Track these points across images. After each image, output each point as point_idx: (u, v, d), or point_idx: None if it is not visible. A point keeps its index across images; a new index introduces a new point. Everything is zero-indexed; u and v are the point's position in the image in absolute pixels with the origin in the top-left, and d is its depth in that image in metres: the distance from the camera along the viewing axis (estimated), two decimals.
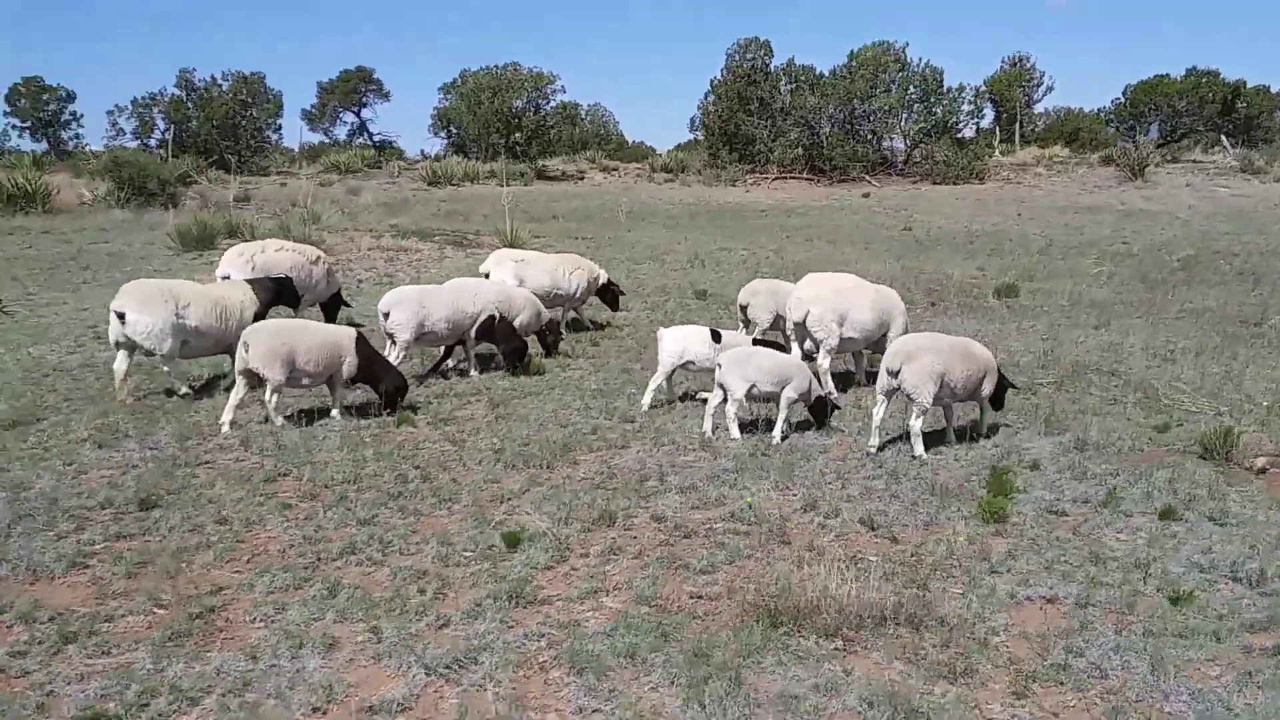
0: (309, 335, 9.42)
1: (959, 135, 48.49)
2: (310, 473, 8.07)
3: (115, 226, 24.47)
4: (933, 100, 47.55)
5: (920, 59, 48.47)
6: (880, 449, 8.63)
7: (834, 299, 10.64)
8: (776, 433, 9.02)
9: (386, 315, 10.97)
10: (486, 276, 13.51)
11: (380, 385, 9.82)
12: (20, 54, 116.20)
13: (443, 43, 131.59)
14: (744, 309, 12.14)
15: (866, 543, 6.80)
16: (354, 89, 56.95)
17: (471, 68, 54.88)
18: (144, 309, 9.81)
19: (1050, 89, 63.42)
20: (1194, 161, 55.78)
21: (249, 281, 11.40)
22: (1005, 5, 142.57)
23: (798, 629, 5.41)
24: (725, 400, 9.12)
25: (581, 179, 51.23)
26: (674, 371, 10.29)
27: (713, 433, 9.11)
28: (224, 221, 21.53)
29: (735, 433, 9.07)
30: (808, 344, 10.84)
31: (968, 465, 8.34)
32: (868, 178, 45.83)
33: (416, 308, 10.98)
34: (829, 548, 6.61)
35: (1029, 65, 63.72)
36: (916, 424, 8.42)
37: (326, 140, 60.15)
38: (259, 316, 10.73)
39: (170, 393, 10.48)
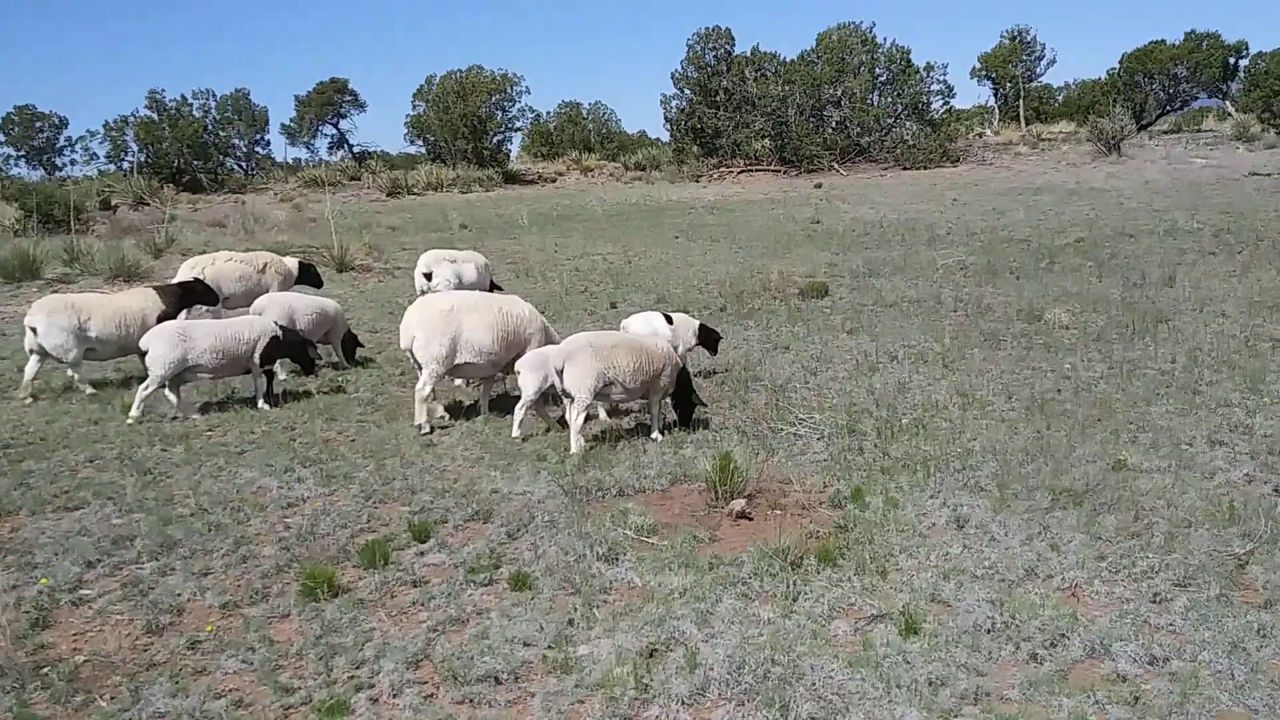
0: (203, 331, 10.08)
1: (930, 117, 46.51)
2: None
3: None
4: (900, 81, 45.68)
5: (888, 39, 46.74)
6: None
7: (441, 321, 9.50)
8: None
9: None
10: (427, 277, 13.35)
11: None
12: (14, 83, 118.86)
13: (419, 47, 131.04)
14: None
15: None
16: (330, 100, 56.65)
17: (438, 72, 54.24)
18: (50, 322, 10.91)
19: (1053, 62, 60.89)
20: (1197, 130, 53.36)
21: (154, 288, 12.35)
22: None
23: None
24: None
25: (554, 181, 50.45)
26: None
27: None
28: (66, 249, 20.89)
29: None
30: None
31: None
32: (836, 166, 44.28)
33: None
34: None
35: (1030, 39, 61.30)
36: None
37: (309, 155, 60.07)
38: (166, 317, 11.48)
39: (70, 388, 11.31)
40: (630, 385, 8.51)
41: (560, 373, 8.32)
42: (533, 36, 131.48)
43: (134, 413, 9.90)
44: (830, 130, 45.39)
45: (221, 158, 51.22)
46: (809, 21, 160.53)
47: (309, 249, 22.74)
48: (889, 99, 46.43)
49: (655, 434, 8.83)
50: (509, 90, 50.80)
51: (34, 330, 10.95)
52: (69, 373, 11.39)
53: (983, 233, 23.02)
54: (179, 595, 5.92)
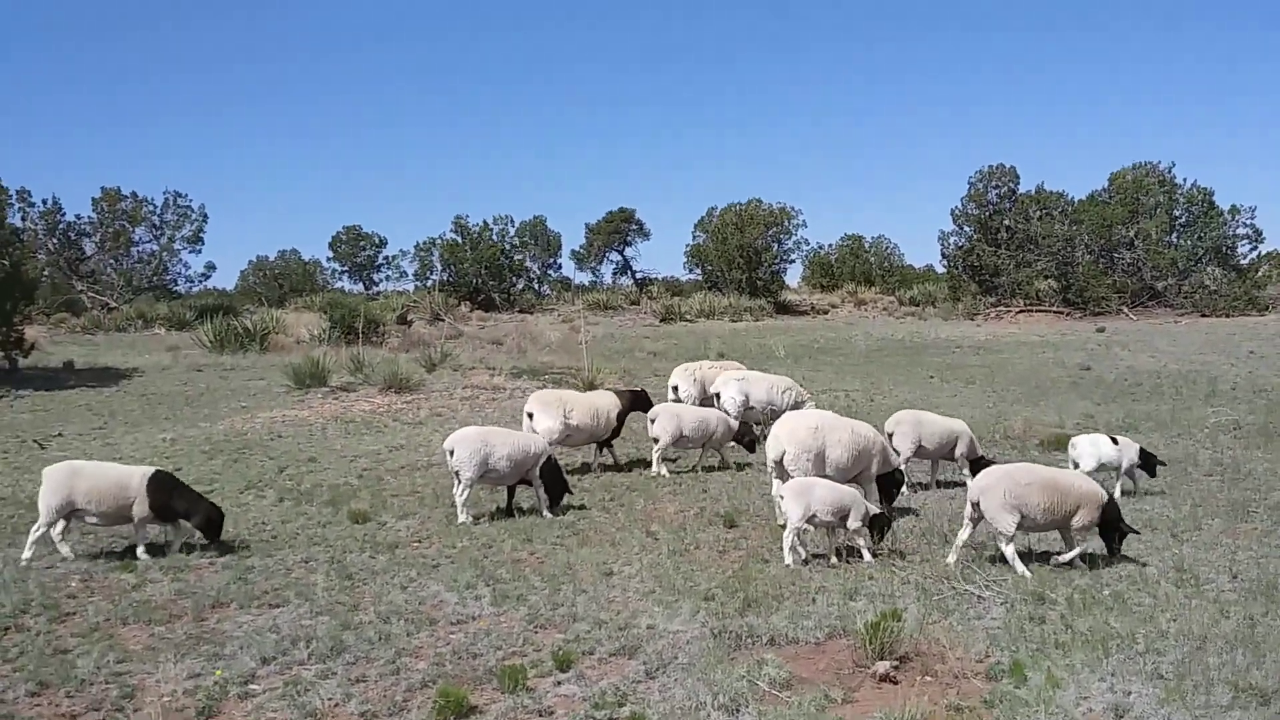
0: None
1: (1235, 261, 43.28)
2: None
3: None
4: (1201, 224, 42.93)
5: (1188, 179, 44.18)
6: None
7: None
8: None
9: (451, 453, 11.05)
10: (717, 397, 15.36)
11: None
12: (344, 204, 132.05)
13: (704, 180, 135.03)
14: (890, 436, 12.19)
15: None
16: (617, 229, 59.59)
17: (719, 205, 56.01)
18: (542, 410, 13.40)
19: None
20: None
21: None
22: None
23: None
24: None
25: (826, 313, 50.58)
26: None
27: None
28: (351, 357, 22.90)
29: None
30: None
31: None
32: (1126, 310, 41.98)
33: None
34: None
35: None
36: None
37: (594, 279, 63.14)
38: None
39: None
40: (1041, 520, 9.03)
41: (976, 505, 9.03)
42: (818, 171, 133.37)
43: (462, 517, 10.75)
44: (1120, 273, 43.18)
45: (514, 279, 54.63)
46: (1100, 162, 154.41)
47: (567, 369, 23.91)
48: (1188, 241, 43.68)
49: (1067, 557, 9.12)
50: (786, 223, 51.78)
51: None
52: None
53: (1273, 390, 21.17)
54: (330, 699, 6.31)
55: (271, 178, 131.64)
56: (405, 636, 7.43)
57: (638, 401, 14.76)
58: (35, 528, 9.45)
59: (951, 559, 9.17)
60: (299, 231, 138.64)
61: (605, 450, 14.36)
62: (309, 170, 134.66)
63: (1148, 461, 12.13)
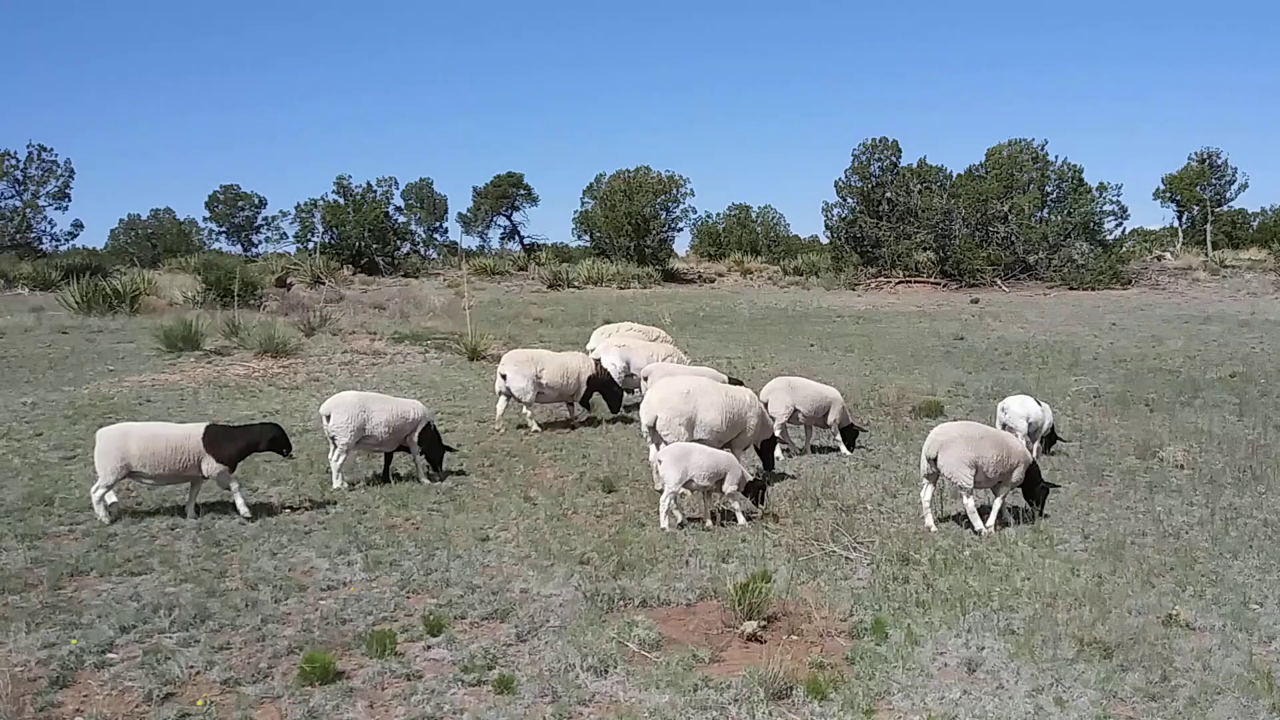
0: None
1: (1101, 237, 45.06)
2: None
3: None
4: (1071, 200, 44.53)
5: (1060, 157, 45.71)
6: None
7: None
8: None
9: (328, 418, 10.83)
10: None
11: None
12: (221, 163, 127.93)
13: (593, 146, 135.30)
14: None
15: None
16: (505, 194, 59.06)
17: (608, 171, 55.97)
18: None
19: (1245, 186, 58.23)
20: None
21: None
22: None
23: None
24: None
25: (713, 282, 51.04)
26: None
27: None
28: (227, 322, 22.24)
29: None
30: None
31: None
32: (999, 283, 43.33)
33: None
34: None
35: (1220, 162, 58.96)
36: None
37: (481, 244, 62.51)
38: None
39: None
40: (992, 474, 9.32)
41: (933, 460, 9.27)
42: (706, 141, 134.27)
43: (336, 483, 10.63)
44: (995, 246, 44.51)
45: (399, 242, 53.77)
46: (978, 138, 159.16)
47: (451, 335, 23.62)
48: (1058, 217, 45.25)
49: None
50: (674, 191, 52.00)
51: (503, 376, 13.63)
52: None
53: (1131, 360, 22.12)
54: (191, 668, 6.17)
55: (144, 133, 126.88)
56: (273, 603, 7.31)
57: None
58: (95, 488, 9.26)
59: (929, 520, 9.39)
60: (174, 190, 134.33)
61: (576, 408, 14.83)
62: (185, 126, 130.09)
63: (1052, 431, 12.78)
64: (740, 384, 12.76)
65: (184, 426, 9.77)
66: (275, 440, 9.96)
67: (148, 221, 66.91)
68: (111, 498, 9.52)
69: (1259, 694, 5.74)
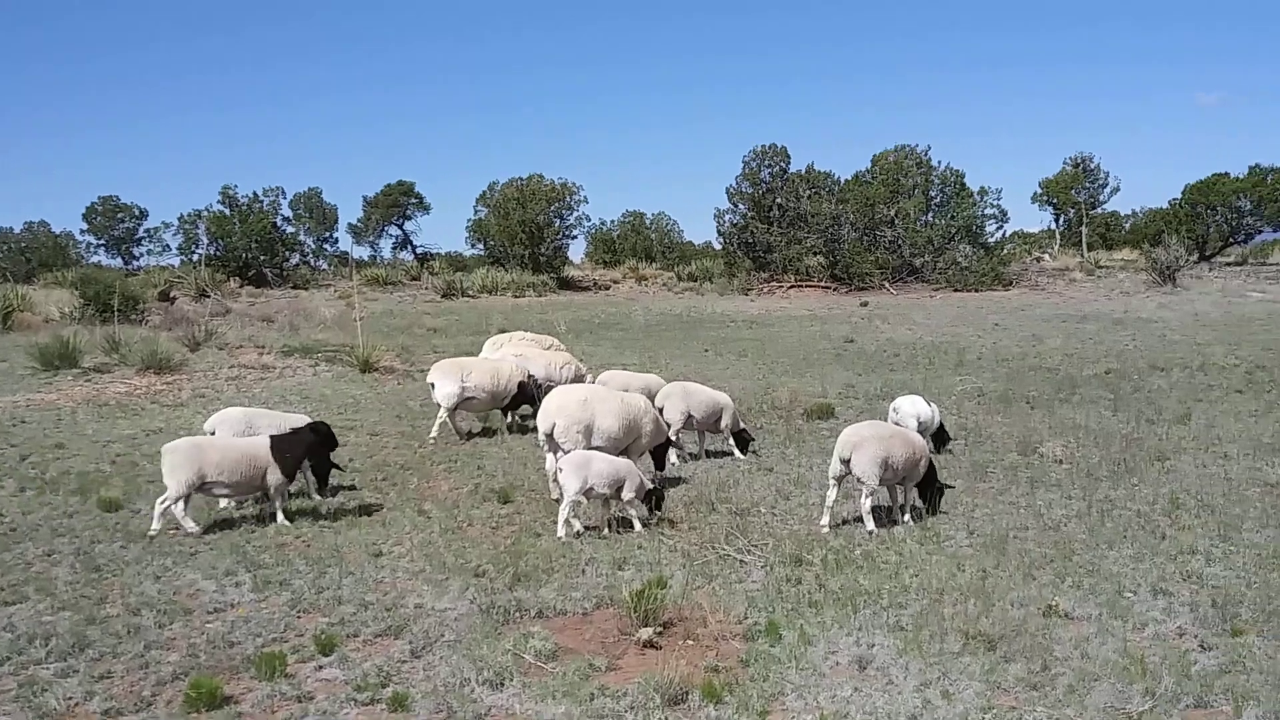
0: None
1: (983, 240, 46.46)
2: None
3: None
4: (954, 204, 45.82)
5: (943, 162, 46.98)
6: None
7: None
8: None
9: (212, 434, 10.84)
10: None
11: None
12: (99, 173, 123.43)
13: (486, 154, 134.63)
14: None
15: None
16: (396, 202, 58.21)
17: (500, 179, 55.66)
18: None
19: (1116, 190, 60.41)
20: (1263, 263, 52.57)
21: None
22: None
23: None
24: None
25: (608, 289, 51.08)
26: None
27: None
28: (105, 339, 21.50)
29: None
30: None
31: None
32: (888, 285, 44.28)
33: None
34: None
35: (1093, 166, 61.16)
36: None
37: (373, 254, 61.43)
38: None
39: None
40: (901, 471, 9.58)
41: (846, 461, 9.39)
42: (599, 148, 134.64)
43: (223, 502, 10.46)
44: (883, 250, 45.47)
45: (287, 253, 52.60)
46: (865, 144, 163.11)
47: (342, 347, 23.21)
48: (943, 221, 46.46)
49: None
50: (568, 199, 51.85)
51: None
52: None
53: (1013, 359, 22.81)
54: (70, 699, 5.97)
55: (16, 141, 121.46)
56: (156, 628, 7.10)
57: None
58: (161, 500, 9.44)
59: (826, 520, 9.50)
60: (48, 202, 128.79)
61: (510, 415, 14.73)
62: (59, 134, 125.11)
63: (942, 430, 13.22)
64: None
65: (251, 439, 10.13)
66: (329, 437, 10.58)
67: (21, 235, 64.18)
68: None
69: (1133, 679, 5.98)
